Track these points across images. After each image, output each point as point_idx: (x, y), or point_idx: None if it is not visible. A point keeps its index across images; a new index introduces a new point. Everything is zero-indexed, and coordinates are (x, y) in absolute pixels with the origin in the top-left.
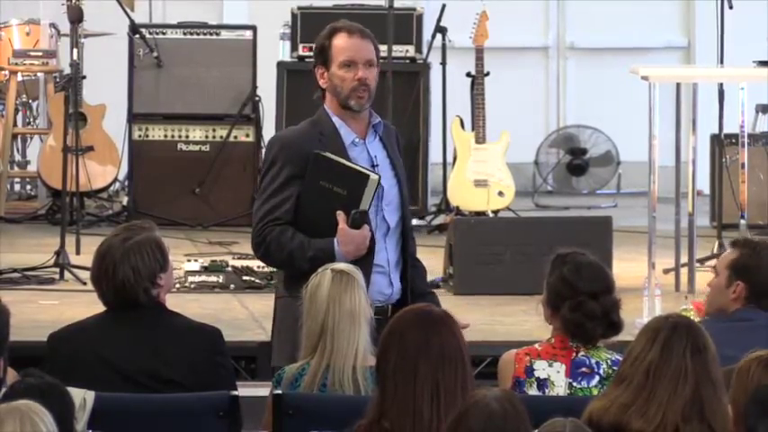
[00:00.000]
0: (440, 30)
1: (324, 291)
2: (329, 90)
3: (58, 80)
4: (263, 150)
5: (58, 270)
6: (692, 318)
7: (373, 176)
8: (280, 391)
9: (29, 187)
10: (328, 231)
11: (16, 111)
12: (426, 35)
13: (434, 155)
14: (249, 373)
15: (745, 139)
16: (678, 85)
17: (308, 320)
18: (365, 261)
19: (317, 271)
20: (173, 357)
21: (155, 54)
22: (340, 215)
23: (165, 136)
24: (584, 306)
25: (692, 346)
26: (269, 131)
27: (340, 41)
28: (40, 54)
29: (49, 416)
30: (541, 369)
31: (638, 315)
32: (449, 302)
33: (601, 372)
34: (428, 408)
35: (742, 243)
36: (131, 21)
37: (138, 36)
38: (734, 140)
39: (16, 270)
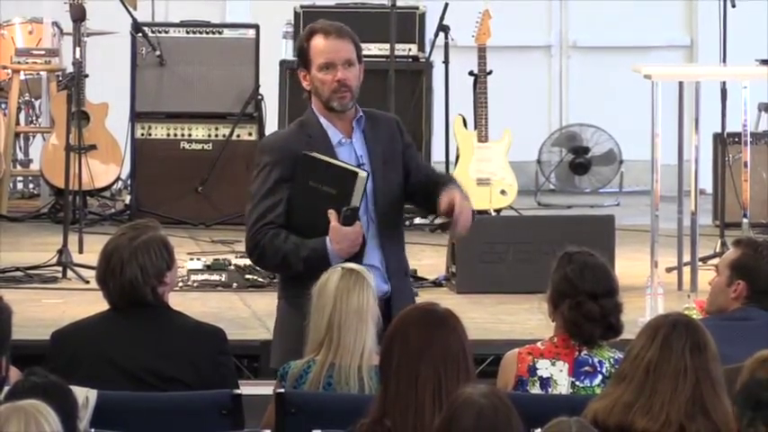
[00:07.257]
0: (442, 28)
1: (332, 285)
2: (313, 92)
3: (60, 79)
4: None
5: (60, 269)
6: (694, 317)
7: (362, 174)
8: (282, 390)
9: (31, 186)
10: (321, 232)
11: (19, 109)
12: (429, 34)
13: (437, 153)
14: (252, 372)
15: (748, 138)
16: (681, 83)
17: (314, 315)
18: (356, 259)
19: (328, 270)
20: (175, 356)
21: (157, 53)
22: (331, 214)
23: (168, 134)
24: (582, 306)
25: (692, 344)
26: (271, 130)
27: (317, 44)
28: (43, 53)
29: (55, 416)
30: (544, 368)
31: (640, 314)
32: (451, 301)
33: (604, 371)
34: (430, 407)
35: (744, 243)
36: (134, 19)
37: (140, 35)
38: (736, 139)
39: (19, 269)
